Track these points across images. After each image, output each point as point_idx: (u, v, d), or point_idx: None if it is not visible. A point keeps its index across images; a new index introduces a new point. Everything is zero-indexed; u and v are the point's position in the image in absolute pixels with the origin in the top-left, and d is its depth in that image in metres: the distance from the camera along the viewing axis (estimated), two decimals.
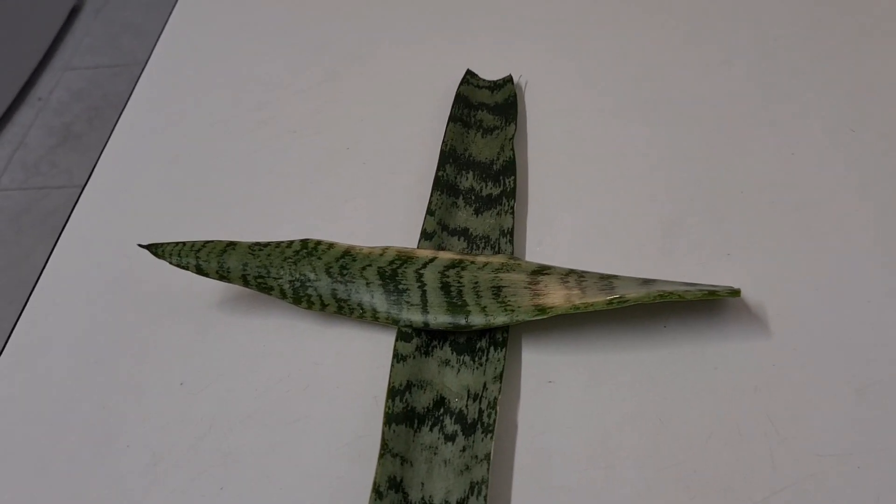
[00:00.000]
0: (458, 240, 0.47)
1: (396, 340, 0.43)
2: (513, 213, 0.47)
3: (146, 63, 0.67)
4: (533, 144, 0.53)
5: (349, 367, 0.44)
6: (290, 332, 0.46)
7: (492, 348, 0.42)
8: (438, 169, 0.50)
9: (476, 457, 0.38)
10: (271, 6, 0.69)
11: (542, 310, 0.40)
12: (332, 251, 0.45)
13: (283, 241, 0.46)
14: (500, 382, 0.40)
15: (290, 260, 0.45)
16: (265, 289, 0.44)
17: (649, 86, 0.55)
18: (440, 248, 0.46)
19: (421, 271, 0.43)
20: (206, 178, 0.56)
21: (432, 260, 0.44)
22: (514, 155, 0.50)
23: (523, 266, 0.43)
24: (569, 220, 0.48)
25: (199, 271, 0.45)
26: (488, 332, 0.42)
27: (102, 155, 0.59)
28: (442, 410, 0.40)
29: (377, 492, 0.37)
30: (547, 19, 0.62)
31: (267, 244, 0.46)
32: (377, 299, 0.43)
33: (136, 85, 0.65)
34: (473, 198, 0.49)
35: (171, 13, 0.72)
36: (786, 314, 0.42)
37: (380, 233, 0.49)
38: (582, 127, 0.53)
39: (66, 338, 0.48)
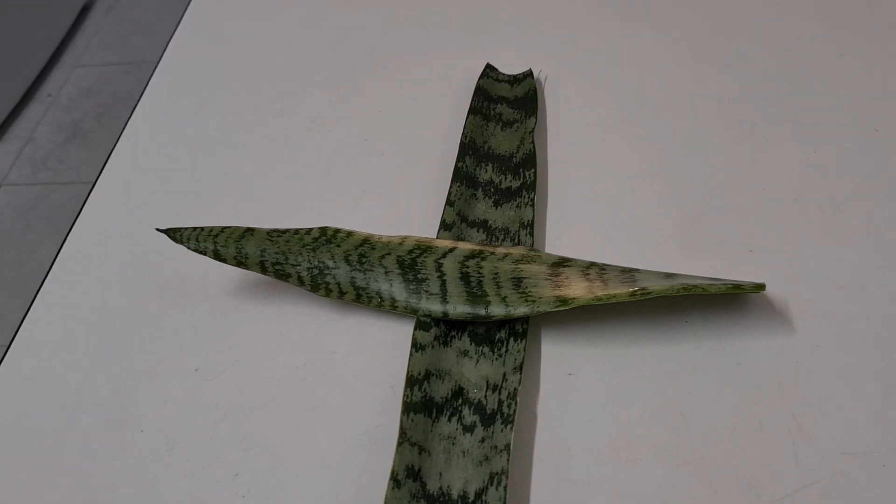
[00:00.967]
0: (478, 231, 0.47)
1: (415, 330, 0.42)
2: (533, 205, 0.47)
3: (160, 58, 0.67)
4: (553, 139, 0.53)
5: (366, 356, 0.43)
6: (307, 320, 0.45)
7: (511, 339, 0.41)
8: (458, 160, 0.50)
9: (496, 447, 0.37)
10: (290, 1, 0.69)
11: (563, 301, 0.40)
12: (352, 239, 0.45)
13: (301, 229, 0.45)
14: (520, 374, 0.40)
15: (308, 247, 0.44)
16: (283, 276, 0.44)
17: (670, 82, 0.54)
18: (459, 238, 0.46)
19: (440, 261, 0.43)
20: (222, 169, 0.55)
21: (452, 250, 0.44)
22: (534, 148, 0.50)
23: (544, 258, 0.43)
24: (589, 215, 0.48)
25: (217, 256, 0.44)
26: (508, 323, 0.42)
27: (116, 147, 0.59)
28: (460, 401, 0.40)
29: (395, 480, 0.37)
30: (568, 14, 0.62)
31: (286, 231, 0.45)
32: (396, 288, 0.43)
33: (150, 78, 0.65)
34: (493, 190, 0.49)
35: (186, 8, 0.72)
36: (809, 311, 0.41)
37: (398, 223, 0.49)
38: (602, 122, 0.53)
39: (81, 323, 0.48)
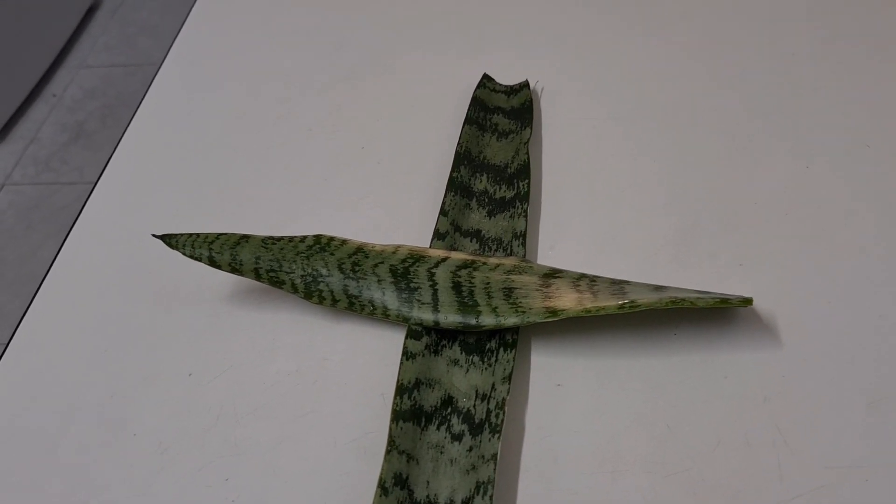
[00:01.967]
0: (471, 241, 0.47)
1: (406, 338, 0.43)
2: (526, 216, 0.47)
3: (163, 61, 0.68)
4: (547, 150, 0.53)
5: (358, 364, 0.44)
6: (301, 327, 0.46)
7: (501, 349, 0.42)
8: (453, 170, 0.50)
9: (483, 457, 0.38)
10: (290, 7, 0.70)
11: (553, 312, 0.40)
12: (345, 247, 0.45)
13: (296, 236, 0.46)
14: (509, 384, 0.40)
15: (302, 255, 0.45)
16: (277, 283, 0.45)
17: (664, 95, 0.55)
18: (452, 248, 0.46)
19: (433, 270, 0.44)
20: (221, 174, 0.56)
21: (444, 259, 0.44)
22: (528, 159, 0.50)
23: (535, 269, 0.43)
24: (582, 226, 0.48)
25: (212, 263, 0.45)
26: (498, 333, 0.42)
27: (117, 149, 0.60)
28: (450, 410, 0.40)
29: (382, 488, 0.37)
30: (565, 27, 0.62)
31: (280, 238, 0.46)
32: (388, 297, 0.44)
33: (152, 82, 0.65)
34: (487, 200, 0.49)
35: (189, 12, 0.73)
36: (797, 325, 0.41)
37: (393, 232, 0.49)
38: (597, 134, 0.53)
39: (77, 327, 0.48)
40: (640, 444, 0.38)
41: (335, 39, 0.65)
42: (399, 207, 0.51)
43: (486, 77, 0.58)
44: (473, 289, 0.43)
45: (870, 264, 0.43)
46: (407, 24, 0.65)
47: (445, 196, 0.49)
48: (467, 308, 0.42)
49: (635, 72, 0.57)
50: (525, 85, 0.57)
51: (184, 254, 0.45)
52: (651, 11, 0.62)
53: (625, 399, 0.40)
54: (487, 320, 0.42)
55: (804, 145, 0.50)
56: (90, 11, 2.03)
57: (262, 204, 0.53)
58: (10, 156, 1.70)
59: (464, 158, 0.51)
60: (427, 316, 0.43)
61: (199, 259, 0.45)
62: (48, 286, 0.51)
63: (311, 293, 0.44)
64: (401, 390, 0.40)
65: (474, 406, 0.40)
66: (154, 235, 0.46)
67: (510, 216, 0.48)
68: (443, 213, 0.48)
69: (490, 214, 0.49)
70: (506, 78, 0.58)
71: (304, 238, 0.46)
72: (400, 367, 0.41)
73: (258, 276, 0.45)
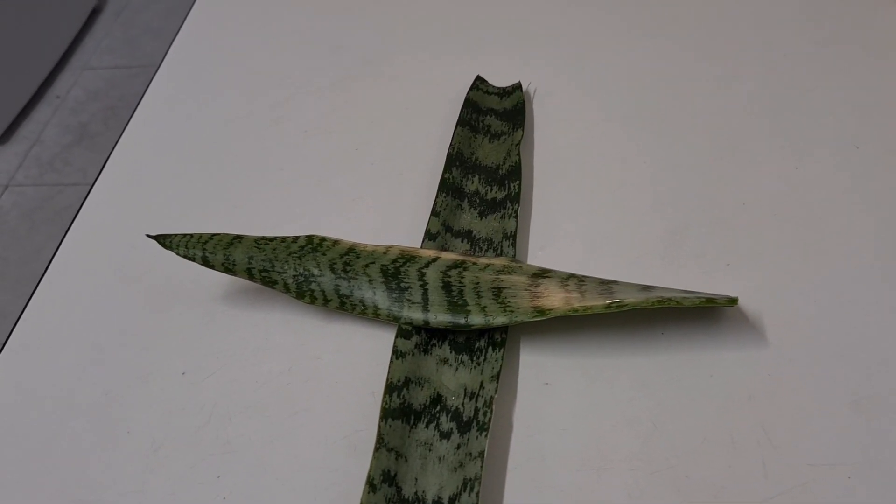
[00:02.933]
0: (462, 241, 0.48)
1: (396, 337, 0.43)
2: (516, 217, 0.48)
3: (161, 63, 0.68)
4: (539, 151, 0.53)
5: (349, 363, 0.44)
6: (292, 327, 0.46)
7: (490, 348, 0.42)
8: (445, 171, 0.51)
9: (470, 454, 0.38)
10: (287, 10, 0.70)
11: (541, 311, 0.41)
12: (337, 248, 0.46)
13: (288, 237, 0.46)
14: (497, 382, 0.40)
15: (294, 255, 0.45)
16: (269, 282, 0.45)
17: (656, 97, 0.55)
18: (443, 248, 0.47)
19: (423, 270, 0.44)
20: (216, 175, 0.56)
21: (435, 260, 0.45)
22: (520, 160, 0.51)
23: (524, 269, 0.44)
24: (572, 227, 0.49)
25: (206, 263, 0.45)
26: (487, 332, 0.43)
27: (114, 150, 0.60)
28: (438, 408, 0.41)
29: (371, 485, 0.37)
30: (557, 29, 0.63)
31: (273, 239, 0.46)
32: (379, 296, 0.44)
33: (149, 84, 0.66)
34: (478, 201, 0.50)
35: (187, 15, 0.73)
36: (783, 325, 0.42)
37: (385, 232, 0.50)
38: (588, 136, 0.54)
39: (72, 325, 0.49)
40: (626, 441, 0.39)
41: (331, 42, 0.66)
42: (392, 208, 0.52)
43: (478, 79, 0.58)
44: (463, 288, 0.43)
45: (856, 265, 0.44)
46: (402, 27, 0.66)
47: (437, 197, 0.49)
48: (457, 308, 0.43)
49: (626, 74, 0.58)
50: (517, 87, 0.57)
51: (178, 254, 0.46)
52: (641, 14, 0.62)
53: (612, 397, 0.40)
54: (476, 320, 0.42)
55: (793, 146, 0.50)
56: (93, 14, 2.04)
57: (257, 205, 0.54)
58: (14, 157, 1.71)
59: (456, 160, 0.52)
60: (417, 315, 0.43)
61: (192, 259, 0.46)
62: (45, 285, 0.52)
63: (303, 293, 0.45)
64: (390, 388, 0.41)
65: (463, 404, 0.41)
66: (148, 236, 0.47)
67: (501, 217, 0.48)
68: (434, 213, 0.49)
69: (481, 215, 0.49)
70: (499, 80, 0.59)
71: (296, 238, 0.46)
72: (390, 366, 0.42)
73: (251, 276, 0.45)
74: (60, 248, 0.54)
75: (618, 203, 0.49)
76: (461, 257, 0.45)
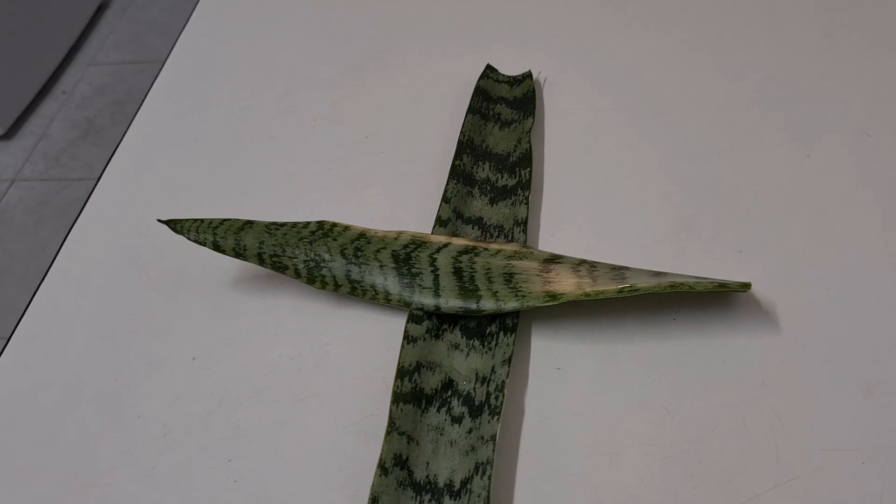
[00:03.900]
0: (473, 228, 0.48)
1: (407, 322, 0.43)
2: (527, 203, 0.47)
3: (167, 57, 0.68)
4: (549, 139, 0.53)
5: (360, 348, 0.44)
6: (303, 312, 0.46)
7: (501, 333, 0.42)
8: (455, 158, 0.51)
9: (482, 438, 0.38)
10: (293, 2, 0.70)
11: (552, 296, 0.41)
12: (348, 233, 0.46)
13: (299, 222, 0.46)
14: (509, 367, 0.40)
15: (305, 240, 0.45)
16: (280, 268, 0.45)
17: (666, 86, 0.55)
18: (454, 235, 0.47)
19: (434, 256, 0.44)
20: (224, 166, 0.56)
21: (446, 245, 0.44)
22: (530, 147, 0.50)
23: (536, 254, 0.44)
24: (582, 214, 0.48)
25: (216, 248, 0.45)
26: (498, 317, 0.43)
27: (121, 145, 0.60)
28: (450, 392, 0.41)
29: (382, 468, 0.37)
30: (569, 18, 0.62)
31: (283, 224, 0.46)
32: (390, 282, 0.44)
33: (156, 79, 0.66)
34: (489, 188, 0.50)
35: (193, 10, 0.73)
36: (795, 311, 0.42)
37: (395, 219, 0.50)
38: (598, 124, 0.54)
39: (83, 312, 0.49)
40: (638, 427, 0.39)
41: (339, 33, 0.66)
42: (402, 195, 0.51)
43: (489, 67, 0.58)
44: (474, 274, 0.43)
45: (868, 251, 0.44)
46: (410, 17, 0.66)
47: (448, 184, 0.49)
48: (468, 293, 0.42)
49: (637, 62, 0.58)
50: (528, 75, 0.57)
51: (188, 238, 0.46)
52: (652, 2, 0.62)
53: (623, 383, 0.40)
54: (488, 305, 0.42)
55: (805, 134, 0.50)
56: (100, 9, 2.04)
57: (267, 193, 0.54)
58: (21, 152, 1.71)
59: (466, 147, 0.52)
60: (428, 301, 0.43)
61: (203, 244, 0.46)
62: (54, 273, 0.52)
63: (314, 278, 0.45)
64: (401, 373, 0.41)
65: (474, 389, 0.40)
66: (160, 221, 0.47)
67: (512, 204, 0.48)
68: (445, 200, 0.48)
69: (492, 202, 0.49)
70: (509, 69, 0.59)
71: (307, 224, 0.46)
72: (401, 351, 0.42)
73: (262, 262, 0.45)
74: (68, 238, 0.54)
75: (628, 190, 0.49)
76: (472, 243, 0.44)
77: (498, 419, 0.38)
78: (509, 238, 0.46)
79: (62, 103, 1.81)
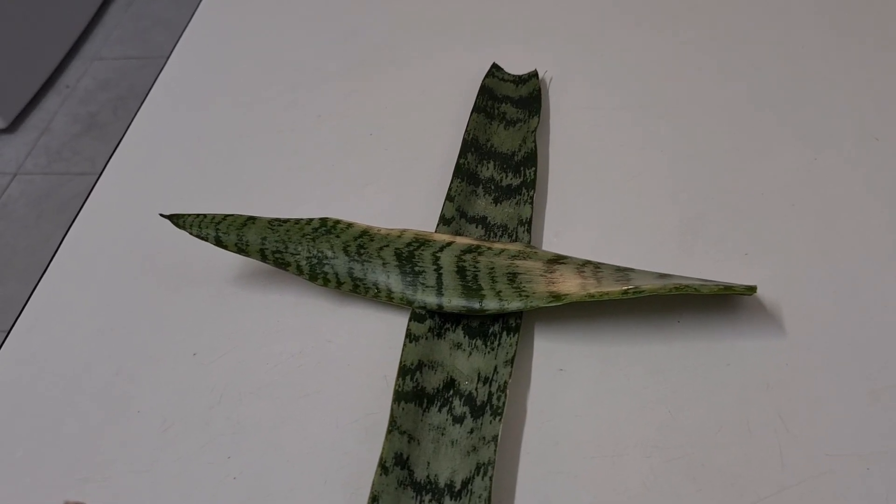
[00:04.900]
0: (476, 227, 0.47)
1: (410, 321, 0.43)
2: (532, 203, 0.47)
3: (171, 53, 0.68)
4: (555, 139, 0.53)
5: (361, 346, 0.44)
6: (305, 309, 0.46)
7: (504, 333, 0.42)
8: (460, 157, 0.50)
9: (483, 438, 0.38)
10: None
11: (556, 297, 0.40)
12: (351, 230, 0.45)
13: (302, 219, 0.46)
14: (512, 367, 0.40)
15: (308, 237, 0.45)
16: (282, 264, 0.45)
17: (673, 86, 0.55)
18: (458, 233, 0.47)
19: (438, 254, 0.44)
20: (227, 162, 0.56)
21: (449, 244, 0.44)
22: (535, 147, 0.50)
23: (540, 254, 0.43)
24: (587, 214, 0.48)
25: (219, 243, 0.45)
26: (502, 317, 0.42)
27: (123, 139, 0.60)
28: (451, 392, 0.41)
29: (383, 467, 0.37)
30: (575, 17, 0.62)
31: (286, 220, 0.46)
32: (393, 280, 0.44)
33: (159, 74, 0.66)
34: (493, 187, 0.50)
35: (198, 5, 0.73)
36: (801, 315, 0.41)
37: (399, 217, 0.50)
38: (604, 124, 0.53)
39: (84, 306, 0.49)
40: (641, 429, 0.38)
41: (346, 29, 0.65)
42: (405, 193, 0.51)
43: (494, 66, 0.58)
44: (478, 273, 0.43)
45: (875, 255, 0.43)
46: (418, 14, 0.65)
47: (452, 182, 0.49)
48: (471, 292, 0.42)
49: (643, 62, 0.57)
50: (534, 74, 0.57)
51: (191, 233, 0.46)
52: (660, 2, 0.62)
53: (627, 384, 0.40)
54: (491, 304, 0.42)
55: (812, 137, 0.50)
56: (104, 4, 2.04)
57: (270, 189, 0.53)
58: (23, 145, 1.71)
59: (471, 146, 0.51)
60: (431, 299, 0.43)
61: (205, 239, 0.45)
62: (56, 267, 0.51)
63: (317, 275, 0.44)
64: (403, 371, 0.40)
65: (476, 389, 0.40)
66: (162, 215, 0.47)
67: (516, 203, 0.48)
68: (449, 198, 0.48)
69: (496, 201, 0.49)
70: (515, 68, 0.58)
71: (310, 220, 0.46)
72: (403, 349, 0.41)
73: (264, 258, 0.45)
74: (70, 232, 0.54)
75: (634, 191, 0.49)
76: (476, 242, 0.44)
77: (500, 420, 0.38)
78: (513, 238, 0.46)
79: (65, 97, 1.81)
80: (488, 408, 0.39)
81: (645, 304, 0.43)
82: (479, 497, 0.36)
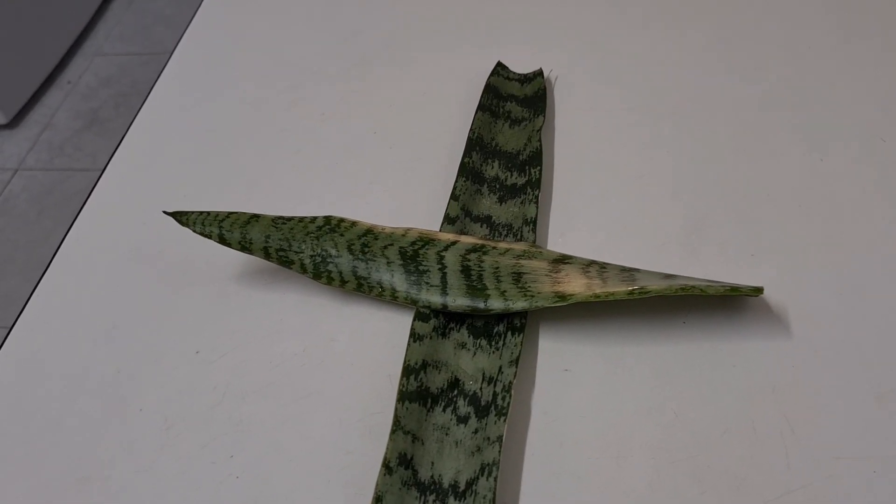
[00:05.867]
0: (481, 226, 0.47)
1: (414, 320, 0.42)
2: (537, 202, 0.47)
3: (174, 50, 0.68)
4: (560, 138, 0.53)
5: (365, 345, 0.44)
6: (308, 308, 0.46)
7: (509, 333, 0.41)
8: (465, 156, 0.50)
9: (488, 439, 0.38)
10: None
11: (562, 297, 0.40)
12: (355, 229, 0.45)
13: (306, 217, 0.46)
14: (516, 367, 0.40)
15: (312, 235, 0.45)
16: (286, 262, 0.45)
17: (679, 86, 0.55)
18: (462, 233, 0.46)
19: (442, 253, 0.43)
20: (229, 160, 0.56)
21: (454, 243, 0.44)
22: (540, 146, 0.50)
23: (545, 254, 0.43)
24: (593, 214, 0.48)
25: (222, 241, 0.45)
26: (506, 317, 0.42)
27: (126, 136, 0.60)
28: (456, 392, 0.40)
29: (387, 467, 0.37)
30: (580, 16, 0.62)
31: (290, 218, 0.46)
32: (397, 279, 0.43)
33: (162, 71, 0.66)
34: (498, 186, 0.49)
35: (201, 2, 0.73)
36: (807, 317, 0.41)
37: (403, 215, 0.49)
38: (609, 124, 0.53)
39: (86, 303, 0.48)
40: (646, 430, 0.38)
41: (349, 28, 0.65)
42: (410, 192, 0.51)
43: (499, 65, 0.57)
44: (482, 272, 0.42)
45: (882, 257, 0.43)
46: (423, 12, 0.65)
47: (457, 181, 0.49)
48: (476, 291, 0.42)
49: (649, 62, 0.57)
50: (539, 73, 0.56)
51: (194, 231, 0.45)
52: (665, 2, 0.62)
53: (632, 385, 0.40)
54: (496, 304, 0.41)
55: (819, 138, 0.50)
56: (106, 0, 2.04)
57: (274, 188, 0.53)
58: (25, 141, 1.71)
59: (476, 144, 0.51)
60: (435, 299, 0.43)
61: (209, 236, 0.45)
62: (57, 264, 0.51)
63: (320, 273, 0.44)
64: (407, 371, 0.40)
65: (481, 389, 0.40)
66: (165, 213, 0.46)
67: (521, 202, 0.48)
68: (454, 197, 0.48)
69: (501, 200, 0.49)
70: (520, 67, 0.58)
71: (314, 219, 0.46)
72: (407, 349, 0.41)
73: (268, 256, 0.45)
74: (72, 228, 0.54)
75: (639, 191, 0.49)
76: (481, 241, 0.44)
77: (504, 420, 0.38)
78: (518, 237, 0.46)
79: (67, 93, 1.81)
80: (493, 408, 0.39)
81: (650, 305, 0.43)
82: (484, 498, 0.35)
